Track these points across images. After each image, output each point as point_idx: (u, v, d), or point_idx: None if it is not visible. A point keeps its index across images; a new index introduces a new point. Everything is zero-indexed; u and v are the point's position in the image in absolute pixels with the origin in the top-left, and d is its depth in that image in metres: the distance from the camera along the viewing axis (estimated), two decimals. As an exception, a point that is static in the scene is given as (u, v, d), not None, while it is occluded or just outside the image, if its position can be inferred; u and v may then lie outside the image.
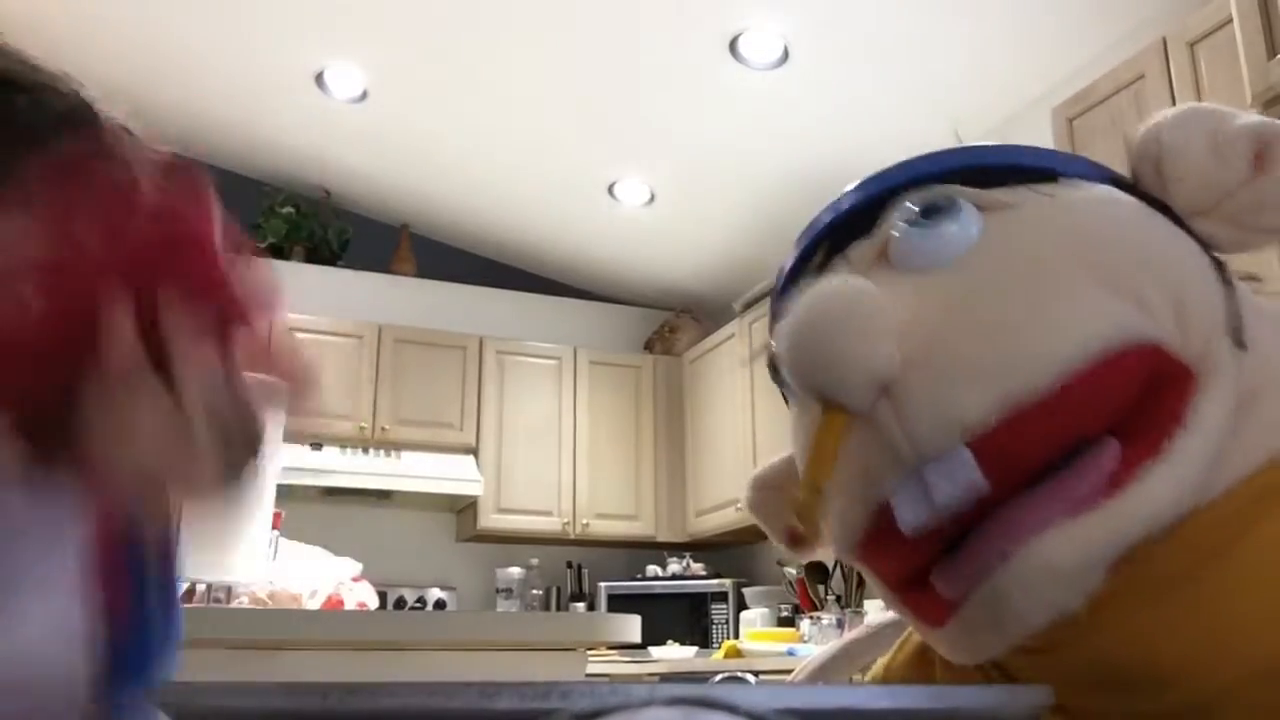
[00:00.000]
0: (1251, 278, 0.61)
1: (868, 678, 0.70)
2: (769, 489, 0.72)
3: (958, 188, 0.57)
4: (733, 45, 3.21)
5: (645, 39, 3.26)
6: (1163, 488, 0.50)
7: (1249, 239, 0.57)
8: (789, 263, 0.66)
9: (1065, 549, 0.49)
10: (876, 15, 2.98)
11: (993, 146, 0.60)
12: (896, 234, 0.57)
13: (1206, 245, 0.57)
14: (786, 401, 0.64)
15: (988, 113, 3.29)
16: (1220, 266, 0.57)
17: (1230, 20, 2.03)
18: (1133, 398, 0.51)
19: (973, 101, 3.26)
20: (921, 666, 0.68)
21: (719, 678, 3.20)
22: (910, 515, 0.51)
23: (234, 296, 0.43)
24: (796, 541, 0.55)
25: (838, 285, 0.53)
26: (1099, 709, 0.55)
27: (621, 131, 3.81)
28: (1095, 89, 2.45)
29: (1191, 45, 2.26)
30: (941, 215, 0.55)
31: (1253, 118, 0.57)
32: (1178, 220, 0.57)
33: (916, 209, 0.56)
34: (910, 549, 0.54)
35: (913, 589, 0.57)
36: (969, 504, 0.50)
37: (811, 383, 0.51)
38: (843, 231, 0.61)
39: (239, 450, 0.41)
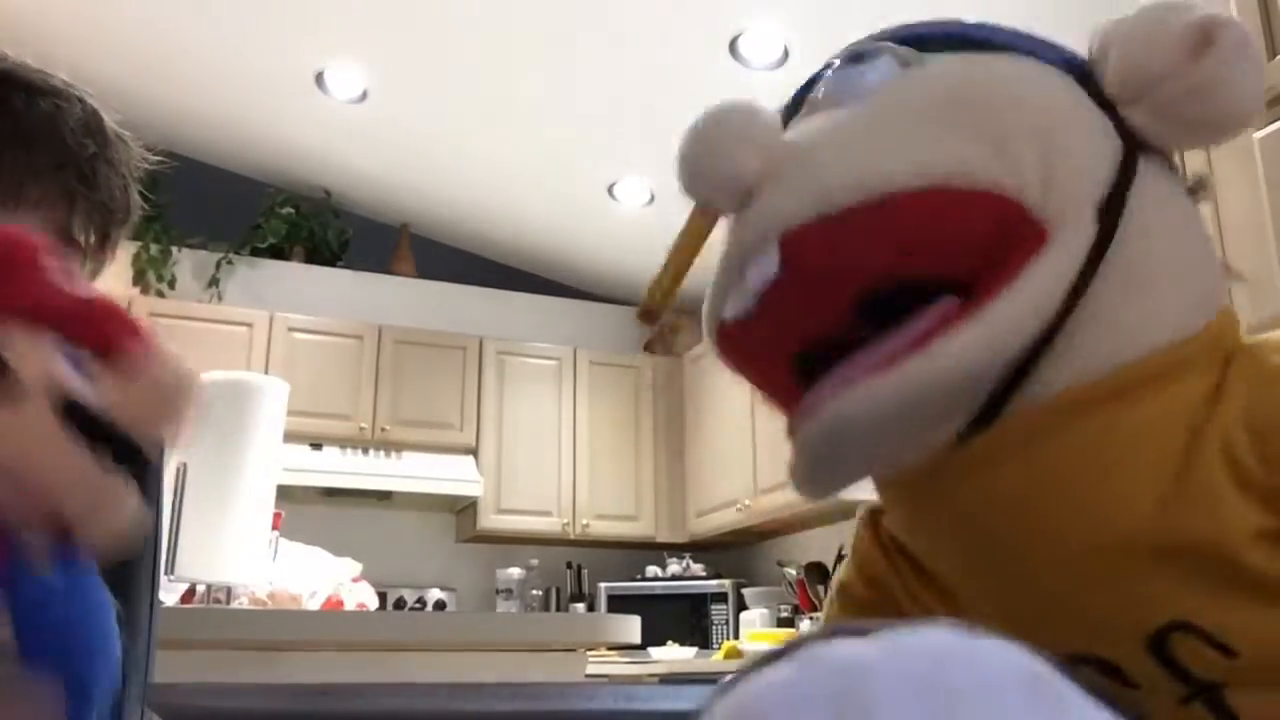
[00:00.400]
0: (1199, 183, 0.62)
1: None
2: None
3: (887, 43, 0.61)
4: (733, 45, 3.21)
5: (645, 39, 3.26)
6: (964, 348, 0.50)
7: (1172, 133, 0.57)
8: None
9: (857, 403, 0.51)
10: (876, 15, 2.97)
11: (949, 21, 0.64)
12: (824, 75, 0.62)
13: (1138, 139, 0.57)
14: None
15: (988, 113, 3.29)
16: (1131, 152, 0.56)
17: (1231, 20, 2.03)
18: (975, 246, 0.52)
19: (973, 102, 3.26)
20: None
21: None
22: (731, 305, 0.57)
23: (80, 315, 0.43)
24: (647, 316, 0.61)
25: (720, 102, 0.58)
26: (980, 589, 0.58)
27: (621, 131, 3.81)
28: (1096, 89, 2.45)
29: (1192, 45, 2.26)
30: (861, 61, 0.60)
31: (1206, 11, 0.56)
32: (1112, 110, 0.57)
33: (846, 55, 0.62)
34: (767, 365, 0.58)
35: None
36: (769, 290, 0.54)
37: (683, 184, 0.59)
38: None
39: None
